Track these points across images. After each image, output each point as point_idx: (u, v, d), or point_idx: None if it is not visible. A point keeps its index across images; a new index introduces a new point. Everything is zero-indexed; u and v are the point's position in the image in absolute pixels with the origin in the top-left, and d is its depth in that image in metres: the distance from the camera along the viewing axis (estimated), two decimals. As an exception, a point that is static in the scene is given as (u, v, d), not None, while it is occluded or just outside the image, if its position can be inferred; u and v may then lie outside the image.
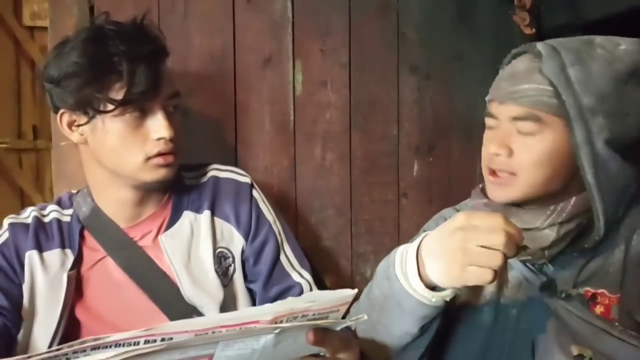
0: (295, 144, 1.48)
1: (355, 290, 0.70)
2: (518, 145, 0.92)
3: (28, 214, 1.14)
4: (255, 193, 1.21)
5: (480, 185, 1.04)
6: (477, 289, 0.99)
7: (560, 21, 1.62)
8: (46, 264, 1.09)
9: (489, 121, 0.97)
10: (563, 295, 0.92)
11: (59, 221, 1.14)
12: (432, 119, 1.61)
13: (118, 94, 1.01)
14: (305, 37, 1.48)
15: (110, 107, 1.01)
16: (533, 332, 0.94)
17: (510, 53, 1.00)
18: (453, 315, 0.99)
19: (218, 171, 1.22)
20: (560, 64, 0.89)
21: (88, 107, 1.02)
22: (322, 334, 0.70)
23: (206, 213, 1.16)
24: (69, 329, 1.10)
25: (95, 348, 0.55)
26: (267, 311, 0.63)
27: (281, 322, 0.65)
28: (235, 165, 1.35)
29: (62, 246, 1.11)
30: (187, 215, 1.16)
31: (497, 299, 0.99)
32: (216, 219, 1.17)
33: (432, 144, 1.61)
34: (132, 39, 1.03)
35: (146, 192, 1.12)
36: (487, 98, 0.98)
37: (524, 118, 0.91)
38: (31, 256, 1.09)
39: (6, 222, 1.12)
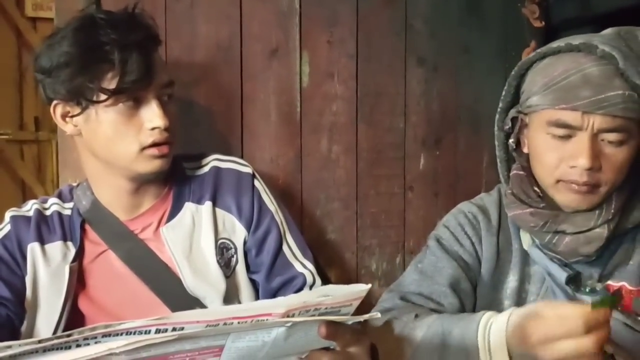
0: (301, 135, 1.47)
1: (369, 286, 0.69)
2: (606, 157, 0.90)
3: (29, 207, 1.13)
4: (257, 183, 1.20)
5: (510, 190, 1.01)
6: (498, 283, 0.98)
7: (570, 14, 1.62)
8: (48, 256, 1.08)
9: (557, 130, 0.91)
10: (588, 290, 0.92)
11: (60, 214, 1.13)
12: (439, 112, 1.60)
13: (110, 84, 1.00)
14: (312, 27, 1.46)
15: (102, 97, 1.00)
16: None
17: (538, 52, 0.96)
18: (475, 310, 0.98)
19: (219, 161, 1.20)
20: (635, 64, 0.86)
21: (80, 97, 1.01)
22: (335, 328, 0.69)
23: (207, 204, 1.15)
24: (72, 320, 1.09)
25: (106, 335, 0.54)
26: (280, 304, 0.62)
27: (293, 315, 0.64)
28: (241, 157, 1.34)
29: (64, 239, 1.11)
30: (189, 207, 1.15)
31: (519, 293, 0.98)
32: (218, 210, 1.16)
33: (439, 137, 1.60)
34: (124, 27, 1.01)
35: (143, 183, 1.11)
36: (555, 106, 0.90)
37: (614, 130, 0.88)
38: (33, 248, 1.08)
39: (8, 214, 1.12)
